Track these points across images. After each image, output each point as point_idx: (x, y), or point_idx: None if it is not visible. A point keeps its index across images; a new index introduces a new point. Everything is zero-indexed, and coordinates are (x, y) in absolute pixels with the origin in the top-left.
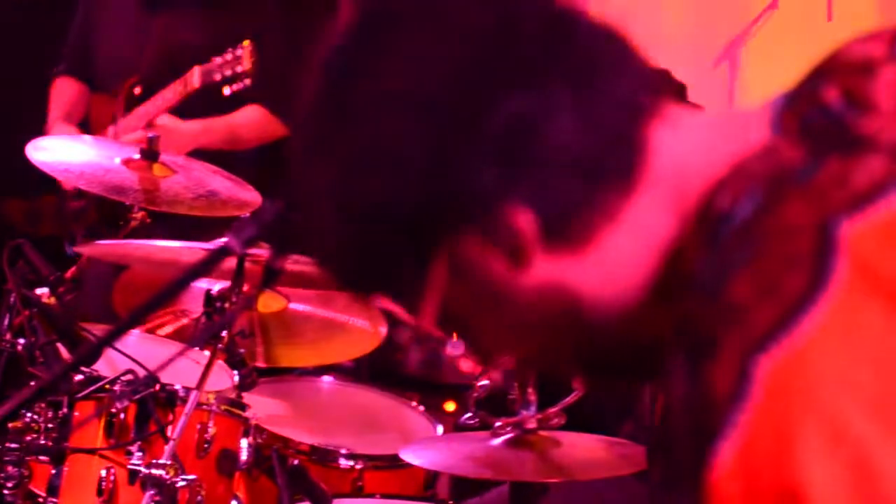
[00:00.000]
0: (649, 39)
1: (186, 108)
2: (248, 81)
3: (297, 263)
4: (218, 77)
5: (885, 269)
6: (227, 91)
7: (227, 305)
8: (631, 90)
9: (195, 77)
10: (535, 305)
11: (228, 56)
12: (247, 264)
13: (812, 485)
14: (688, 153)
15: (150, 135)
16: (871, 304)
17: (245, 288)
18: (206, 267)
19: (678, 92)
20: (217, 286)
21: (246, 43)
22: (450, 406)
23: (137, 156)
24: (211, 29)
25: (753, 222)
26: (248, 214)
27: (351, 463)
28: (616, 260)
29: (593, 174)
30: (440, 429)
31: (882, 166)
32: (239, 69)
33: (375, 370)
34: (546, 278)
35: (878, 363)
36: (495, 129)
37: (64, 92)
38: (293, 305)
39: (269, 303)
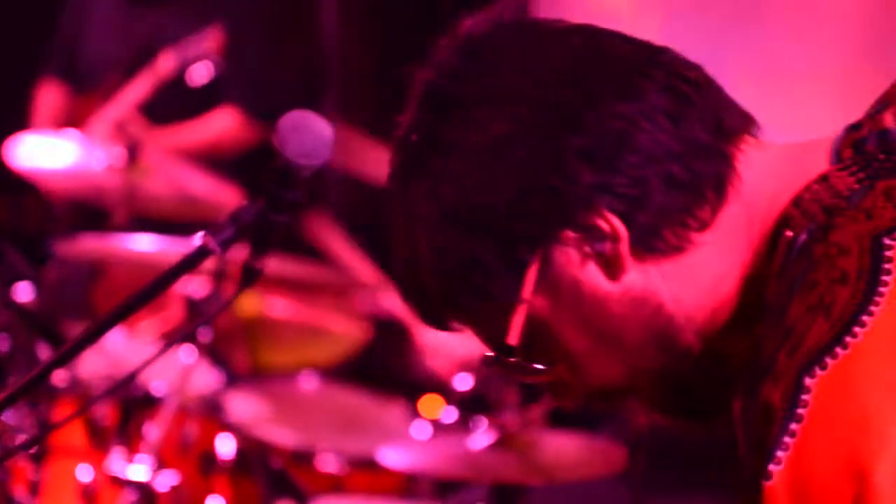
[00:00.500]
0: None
1: (159, 111)
2: (216, 63)
3: (279, 265)
4: (189, 59)
5: None
6: (197, 81)
7: (206, 305)
8: (725, 109)
9: (164, 64)
10: (627, 316)
11: (196, 38)
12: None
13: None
14: (765, 178)
15: (130, 136)
16: None
17: (225, 289)
18: (185, 268)
19: None
20: (198, 287)
21: (213, 26)
22: (433, 407)
23: (118, 158)
24: (195, 26)
25: (808, 249)
26: (226, 215)
27: (332, 464)
28: (704, 274)
29: (687, 184)
30: (423, 430)
31: None
32: (207, 48)
33: (359, 371)
34: (639, 287)
35: None
36: (595, 135)
37: (49, 99)
38: (274, 306)
39: (250, 305)
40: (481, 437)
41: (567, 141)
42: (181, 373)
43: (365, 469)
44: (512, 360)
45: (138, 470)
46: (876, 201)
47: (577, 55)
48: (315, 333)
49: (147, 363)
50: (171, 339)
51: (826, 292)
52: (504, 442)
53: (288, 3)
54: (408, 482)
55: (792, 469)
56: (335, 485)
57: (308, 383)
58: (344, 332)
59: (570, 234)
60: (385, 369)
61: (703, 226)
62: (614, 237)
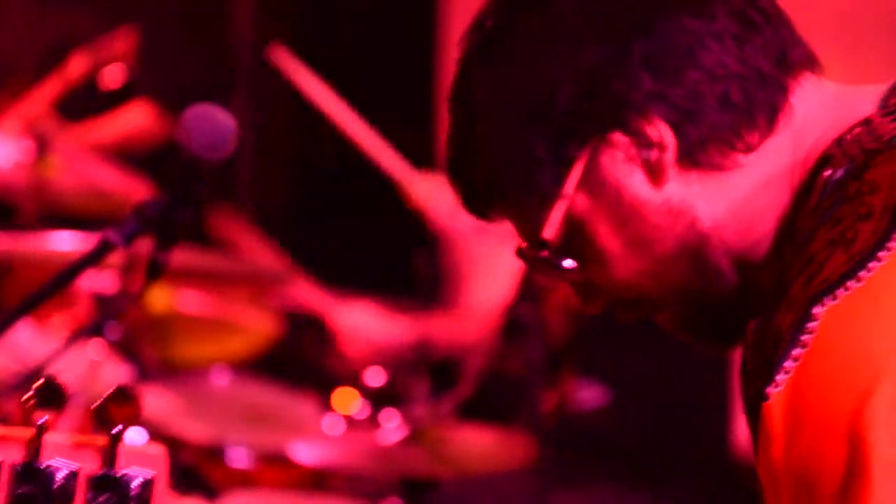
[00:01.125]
0: None
1: (70, 105)
2: (128, 65)
3: (188, 259)
4: (102, 59)
5: None
6: (108, 84)
7: (115, 300)
8: (790, 42)
9: (76, 65)
10: (662, 226)
11: (107, 40)
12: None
13: (874, 441)
14: (817, 116)
15: (40, 132)
16: None
17: (132, 283)
18: (89, 262)
19: None
20: (106, 283)
21: (126, 27)
22: (344, 401)
23: (26, 153)
24: (107, 25)
25: (842, 186)
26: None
27: (243, 458)
28: (745, 199)
29: (741, 107)
30: (334, 425)
31: None
32: (118, 52)
33: (271, 365)
34: (677, 199)
35: None
36: (662, 44)
37: None
38: (185, 301)
39: (161, 299)
40: (392, 431)
41: (634, 45)
42: (90, 368)
43: (276, 464)
44: (544, 253)
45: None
46: None
47: None
48: (226, 328)
49: (53, 357)
50: (78, 334)
51: (849, 227)
52: (415, 436)
53: (201, 1)
54: (319, 477)
55: (790, 393)
56: (246, 480)
57: (219, 378)
58: (255, 327)
59: (621, 136)
60: (297, 364)
61: (750, 149)
62: (662, 146)
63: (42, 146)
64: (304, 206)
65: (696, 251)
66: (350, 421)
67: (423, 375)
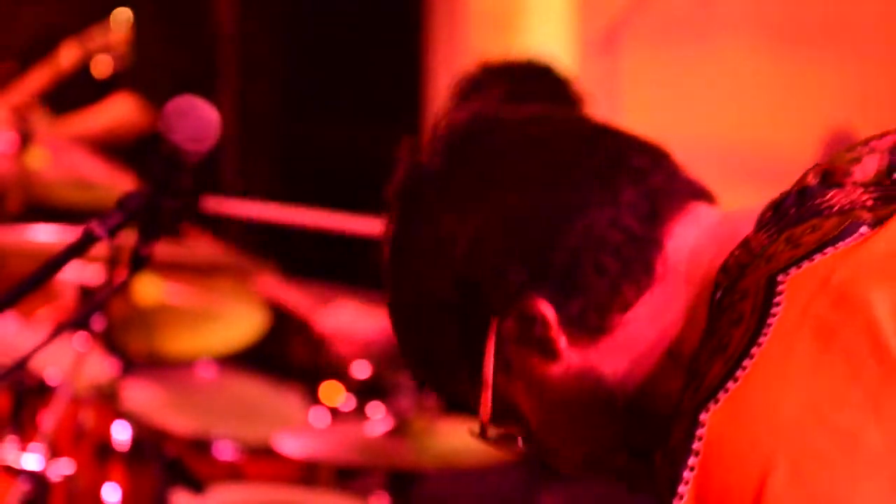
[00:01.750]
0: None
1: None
2: (121, 53)
3: (173, 250)
4: (91, 49)
5: (816, 309)
6: (97, 73)
7: (99, 292)
8: (663, 189)
9: (66, 56)
10: (571, 392)
11: (101, 28)
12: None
13: None
14: (701, 250)
15: (25, 123)
16: (804, 344)
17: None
18: (73, 253)
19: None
20: (91, 275)
21: (119, 11)
22: (331, 394)
23: (10, 144)
24: (87, 11)
25: (720, 302)
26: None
27: (229, 451)
28: (644, 347)
29: (617, 271)
30: (320, 417)
31: (832, 225)
32: (112, 40)
33: (257, 358)
34: (577, 366)
35: (804, 402)
36: (527, 228)
37: None
38: (170, 293)
39: (146, 291)
40: (379, 424)
41: (499, 243)
42: (75, 361)
43: (262, 457)
44: (489, 435)
45: (32, 459)
46: (777, 247)
47: (514, 153)
48: (212, 320)
49: (37, 349)
50: (63, 326)
51: (725, 334)
52: (401, 429)
53: None
54: (306, 469)
55: (694, 502)
56: (232, 472)
57: (205, 371)
58: (242, 319)
59: (508, 321)
60: (283, 356)
61: (627, 307)
62: (545, 323)
63: (26, 137)
64: (288, 198)
65: (607, 405)
66: (336, 413)
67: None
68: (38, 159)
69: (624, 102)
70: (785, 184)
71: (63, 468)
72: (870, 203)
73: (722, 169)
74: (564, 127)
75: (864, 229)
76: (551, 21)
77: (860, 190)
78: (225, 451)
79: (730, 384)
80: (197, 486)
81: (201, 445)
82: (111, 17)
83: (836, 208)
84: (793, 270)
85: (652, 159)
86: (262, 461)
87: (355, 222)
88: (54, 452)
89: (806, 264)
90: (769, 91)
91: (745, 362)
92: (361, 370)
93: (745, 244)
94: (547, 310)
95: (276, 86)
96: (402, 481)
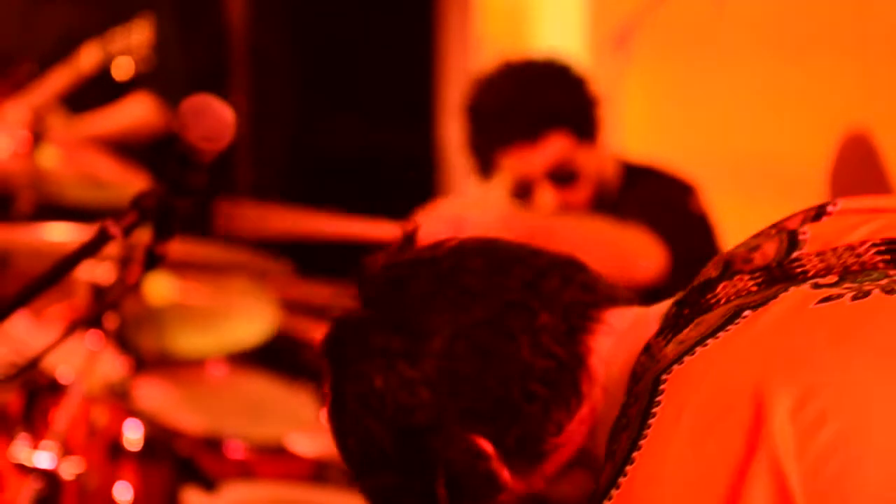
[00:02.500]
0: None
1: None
2: (141, 56)
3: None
4: (112, 52)
5: (692, 403)
6: (118, 75)
7: (112, 291)
8: (578, 303)
9: (86, 58)
10: None
11: (123, 31)
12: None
13: None
14: (614, 361)
15: (40, 123)
16: (678, 443)
17: (130, 273)
18: (87, 252)
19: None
20: (104, 273)
21: (141, 17)
22: None
23: (24, 143)
24: (109, 14)
25: (621, 410)
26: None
27: (241, 450)
28: (570, 455)
29: (546, 396)
30: None
31: (716, 317)
32: (134, 42)
33: (268, 357)
34: (524, 490)
35: (681, 494)
36: (454, 367)
37: None
38: (182, 292)
39: (158, 290)
40: None
41: (431, 390)
42: (87, 359)
43: (274, 455)
44: None
45: (44, 457)
46: (667, 348)
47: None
48: (224, 319)
49: (50, 348)
50: (75, 324)
51: (615, 440)
52: None
53: None
54: (317, 468)
55: None
56: (243, 471)
57: (217, 369)
58: (254, 318)
59: (452, 459)
60: (294, 355)
61: (561, 429)
62: (484, 456)
63: (39, 136)
64: (300, 197)
65: None
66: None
67: None
68: (51, 158)
69: (634, 102)
70: (797, 188)
71: (75, 467)
72: (754, 289)
73: (733, 173)
74: (475, 263)
75: (747, 313)
76: (563, 21)
77: (747, 277)
78: (236, 449)
79: (612, 491)
80: (208, 484)
81: (213, 444)
82: (133, 19)
83: (722, 301)
84: (675, 367)
85: (562, 277)
86: (273, 460)
87: (369, 227)
88: (66, 451)
89: (687, 359)
90: (783, 95)
91: (627, 468)
92: None
93: (648, 349)
94: (486, 445)
95: (289, 84)
96: None
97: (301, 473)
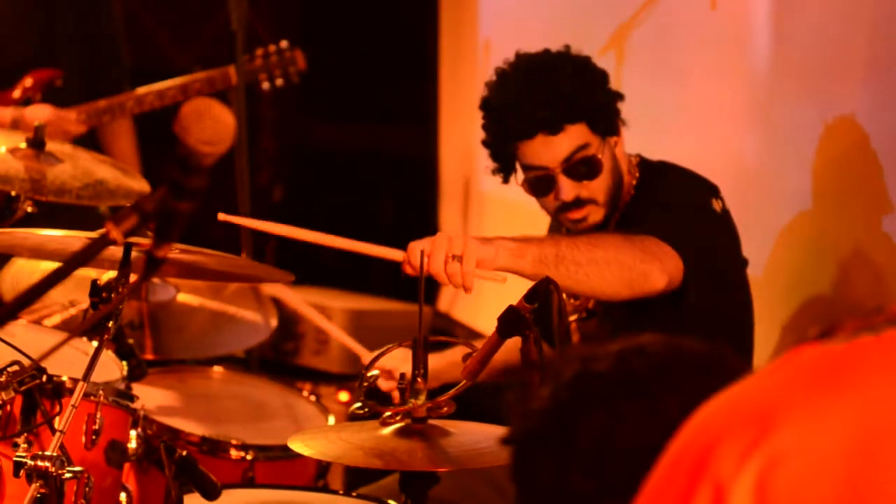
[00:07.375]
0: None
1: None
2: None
3: (185, 253)
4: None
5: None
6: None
7: (113, 295)
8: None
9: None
10: None
11: (275, 52)
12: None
13: None
14: None
15: (36, 123)
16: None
17: (130, 277)
18: (88, 256)
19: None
20: (103, 275)
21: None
22: (342, 396)
23: (23, 144)
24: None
25: None
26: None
27: (242, 454)
28: None
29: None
30: (331, 419)
31: None
32: (291, 69)
33: (266, 360)
34: None
35: None
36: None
37: None
38: (182, 296)
39: (157, 293)
40: (391, 425)
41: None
42: (89, 362)
43: (276, 459)
44: None
45: (44, 459)
46: None
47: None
48: (226, 322)
49: (52, 351)
50: (77, 327)
51: None
52: (413, 430)
53: None
54: (319, 472)
55: None
56: (245, 474)
57: (218, 372)
58: (255, 320)
59: None
60: (297, 359)
61: None
62: None
63: (39, 136)
64: (299, 201)
65: None
66: (349, 415)
67: (420, 370)
68: (52, 159)
69: (627, 103)
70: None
71: (75, 469)
72: None
73: (730, 175)
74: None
75: None
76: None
77: None
78: (237, 452)
79: None
80: (210, 487)
81: (214, 446)
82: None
83: None
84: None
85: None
86: (275, 463)
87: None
88: (66, 453)
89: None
90: (774, 97)
91: None
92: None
93: None
94: None
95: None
96: (416, 483)
97: (304, 477)
